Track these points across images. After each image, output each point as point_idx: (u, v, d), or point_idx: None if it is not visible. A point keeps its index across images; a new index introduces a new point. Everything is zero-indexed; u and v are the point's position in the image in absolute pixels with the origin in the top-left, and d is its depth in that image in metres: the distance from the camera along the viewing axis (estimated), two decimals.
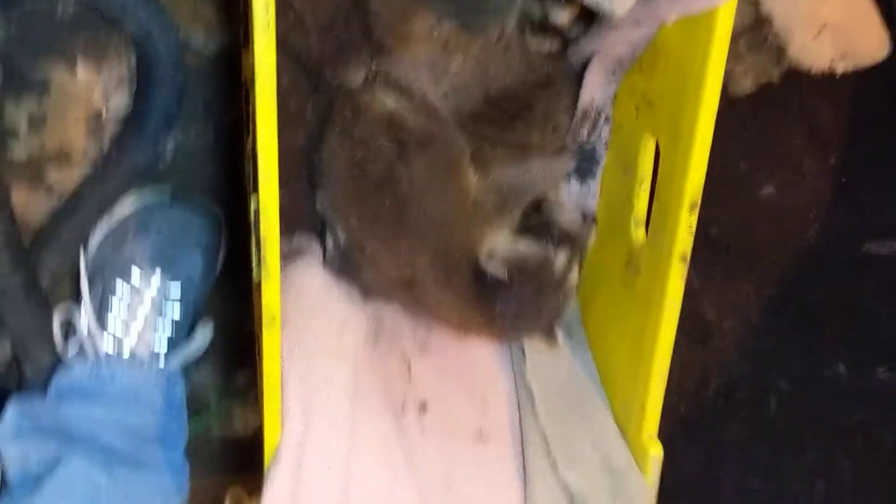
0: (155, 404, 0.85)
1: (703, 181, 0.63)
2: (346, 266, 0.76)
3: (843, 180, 0.86)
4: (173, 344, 0.89)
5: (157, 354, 0.88)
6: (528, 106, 0.72)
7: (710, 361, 0.96)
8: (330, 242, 0.77)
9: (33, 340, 0.85)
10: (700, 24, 0.60)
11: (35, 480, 0.76)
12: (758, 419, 1.00)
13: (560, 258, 0.74)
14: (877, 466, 1.01)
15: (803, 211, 0.89)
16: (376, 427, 0.70)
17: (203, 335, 0.92)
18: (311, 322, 0.71)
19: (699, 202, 0.63)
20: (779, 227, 0.90)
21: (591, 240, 0.79)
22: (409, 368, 0.77)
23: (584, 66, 0.71)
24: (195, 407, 1.05)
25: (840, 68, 0.80)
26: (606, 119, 0.75)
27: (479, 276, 0.72)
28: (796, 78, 0.80)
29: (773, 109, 0.82)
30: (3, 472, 0.81)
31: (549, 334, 0.78)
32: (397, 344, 0.79)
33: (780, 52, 0.79)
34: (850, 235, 0.90)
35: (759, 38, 0.77)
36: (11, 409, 0.78)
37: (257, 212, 0.56)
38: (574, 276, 0.76)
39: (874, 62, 0.80)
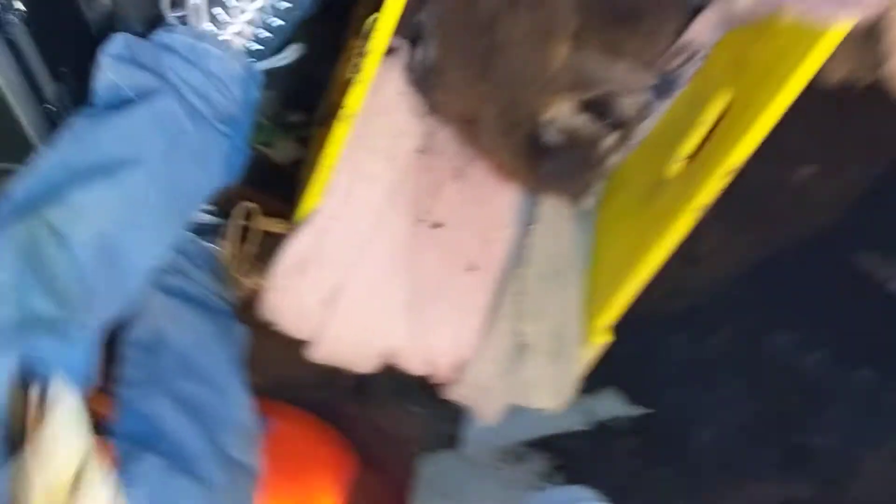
0: (235, 95, 0.91)
1: (749, 154, 0.70)
2: (423, 80, 0.84)
3: (867, 198, 0.92)
4: (265, 50, 0.97)
5: (250, 52, 0.96)
6: (640, 15, 0.77)
7: (685, 283, 1.06)
8: (419, 53, 0.84)
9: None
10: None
11: (123, 102, 0.81)
12: (698, 344, 1.13)
13: (609, 141, 0.82)
14: (762, 423, 1.16)
15: (825, 205, 0.96)
16: (395, 226, 0.82)
17: (293, 53, 0.99)
18: (377, 119, 0.80)
19: (737, 171, 0.71)
20: (796, 208, 0.97)
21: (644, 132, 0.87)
22: (439, 187, 0.87)
23: (704, 4, 0.75)
24: None
25: None
26: (701, 58, 0.79)
27: (535, 136, 0.80)
28: (878, 91, 0.84)
29: (848, 107, 0.87)
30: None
31: (578, 201, 0.88)
32: (438, 162, 0.88)
33: (880, 60, 0.82)
34: (847, 244, 0.98)
35: (872, 41, 0.80)
36: (120, 36, 0.83)
37: (372, 30, 0.63)
38: (614, 159, 0.85)
39: None
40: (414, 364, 0.83)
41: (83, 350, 0.73)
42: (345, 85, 0.69)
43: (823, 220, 0.98)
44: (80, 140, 0.81)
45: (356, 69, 0.66)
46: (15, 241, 0.71)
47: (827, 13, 0.62)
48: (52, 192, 0.74)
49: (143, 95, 0.82)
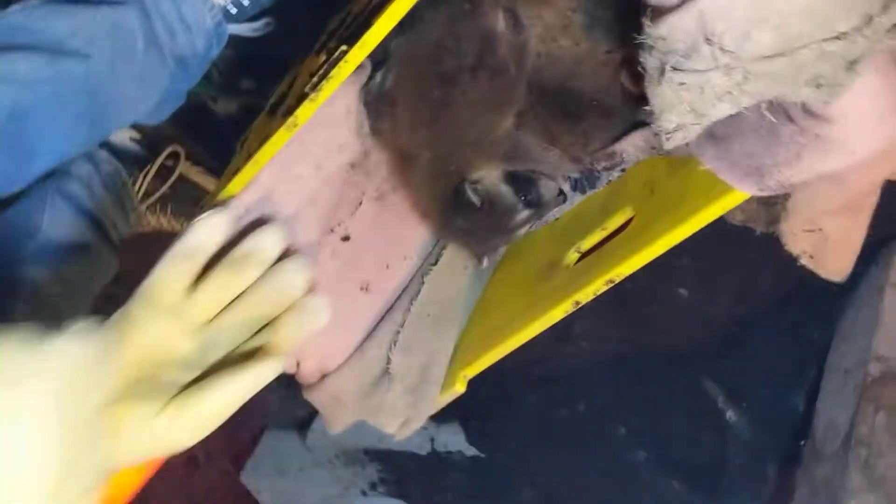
0: (196, 44, 0.96)
1: (633, 272, 0.77)
2: (374, 104, 0.88)
3: (730, 335, 1.03)
4: (239, 16, 1.00)
5: (226, 10, 1.00)
6: (581, 116, 0.83)
7: (551, 355, 1.14)
8: (378, 77, 0.88)
9: None
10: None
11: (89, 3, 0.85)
12: (546, 411, 1.21)
13: (522, 215, 0.88)
14: (580, 497, 1.26)
15: (692, 327, 1.06)
16: (306, 230, 0.85)
17: (263, 27, 1.03)
18: (319, 129, 0.83)
19: (616, 282, 0.78)
20: (666, 321, 1.07)
21: (554, 216, 0.94)
22: (359, 204, 0.91)
23: (639, 124, 0.82)
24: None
25: (805, 262, 0.93)
26: (623, 169, 0.87)
27: (458, 191, 0.85)
28: (769, 241, 0.93)
29: (737, 246, 0.96)
30: None
31: (479, 259, 0.94)
32: (365, 181, 0.92)
33: (776, 218, 0.91)
34: (701, 367, 1.09)
35: (771, 200, 0.89)
36: None
37: (341, 58, 0.67)
38: (522, 232, 0.91)
39: (826, 278, 0.93)
40: None
41: None
42: (300, 95, 0.72)
43: (687, 339, 1.07)
44: (33, 17, 0.83)
45: (314, 87, 0.69)
46: None
47: (729, 179, 0.70)
48: None
49: (111, 3, 0.84)
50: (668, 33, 0.57)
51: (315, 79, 0.70)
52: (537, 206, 0.89)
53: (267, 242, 0.56)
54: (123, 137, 1.33)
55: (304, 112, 0.71)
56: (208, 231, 0.54)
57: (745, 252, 1.00)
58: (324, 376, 0.88)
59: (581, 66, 0.81)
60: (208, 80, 1.25)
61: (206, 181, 1.32)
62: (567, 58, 0.81)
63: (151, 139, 1.34)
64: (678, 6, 0.56)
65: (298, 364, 0.88)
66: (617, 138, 0.85)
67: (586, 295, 0.79)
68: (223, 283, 0.54)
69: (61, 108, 0.85)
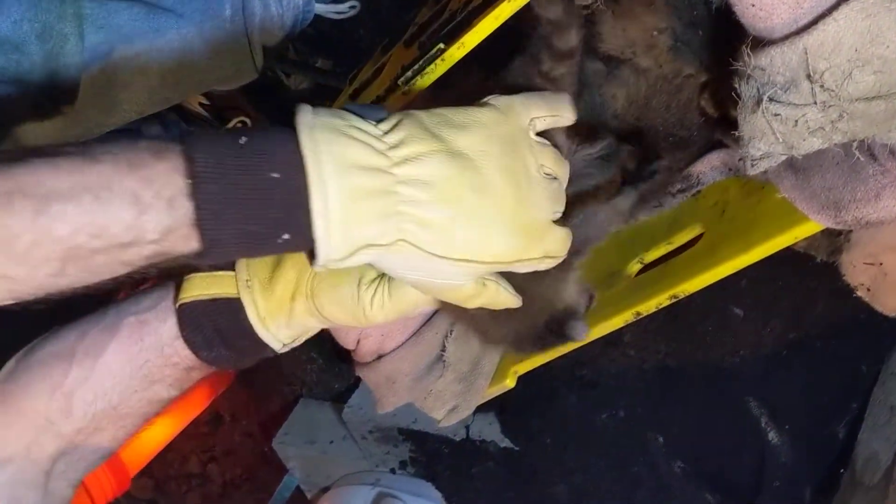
0: (284, 20, 1.00)
1: (699, 289, 0.78)
2: None
3: (778, 357, 1.04)
4: None
5: None
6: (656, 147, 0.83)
7: (597, 359, 1.16)
8: None
9: None
10: None
11: None
12: (586, 413, 1.23)
13: None
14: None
15: (744, 346, 1.07)
16: None
17: (348, 11, 1.05)
18: None
19: (680, 298, 0.79)
20: (718, 338, 1.08)
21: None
22: None
23: (716, 145, 0.83)
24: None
25: (861, 294, 0.94)
26: (696, 192, 0.87)
27: None
28: (828, 269, 0.93)
29: (796, 272, 0.97)
30: None
31: None
32: None
33: (838, 249, 0.92)
34: (749, 385, 1.10)
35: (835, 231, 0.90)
36: None
37: (438, 55, 0.69)
38: None
39: (880, 312, 0.94)
40: (344, 336, 0.89)
41: None
42: (390, 86, 0.74)
43: (736, 357, 1.08)
44: None
45: (407, 81, 0.71)
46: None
47: (806, 210, 0.71)
48: None
49: None
50: (768, 65, 0.58)
51: (409, 73, 0.72)
52: None
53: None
54: (193, 101, 1.36)
55: (394, 103, 0.73)
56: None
57: (803, 278, 1.01)
58: (380, 356, 0.90)
59: (663, 96, 0.81)
60: (283, 55, 1.28)
61: None
62: (651, 82, 0.81)
63: (220, 106, 1.37)
64: (782, 40, 0.57)
65: (359, 341, 0.90)
66: (691, 161, 0.86)
67: (648, 307, 0.80)
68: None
69: (151, 62, 0.87)
